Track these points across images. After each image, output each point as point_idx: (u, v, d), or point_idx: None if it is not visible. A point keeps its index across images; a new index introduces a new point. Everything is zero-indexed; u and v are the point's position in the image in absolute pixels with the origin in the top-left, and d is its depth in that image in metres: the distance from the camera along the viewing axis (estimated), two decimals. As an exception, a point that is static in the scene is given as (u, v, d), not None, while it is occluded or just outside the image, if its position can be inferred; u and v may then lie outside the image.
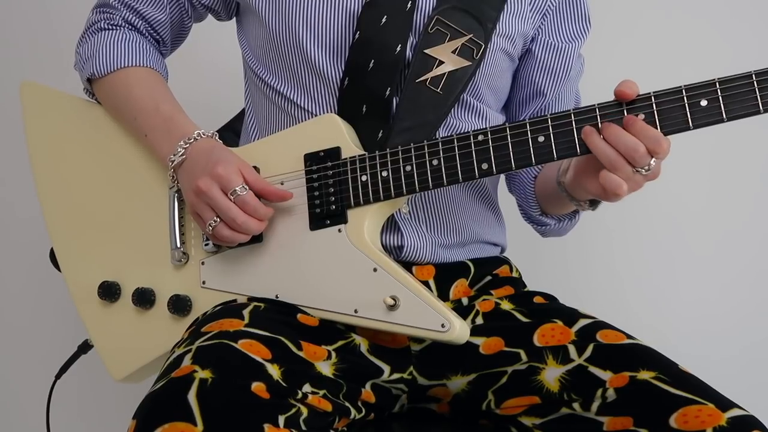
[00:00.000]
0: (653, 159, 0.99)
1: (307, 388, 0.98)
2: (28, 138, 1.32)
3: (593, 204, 1.15)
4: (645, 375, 1.00)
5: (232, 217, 1.08)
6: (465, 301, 1.21)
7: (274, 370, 0.96)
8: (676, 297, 1.86)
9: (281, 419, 0.91)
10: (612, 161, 0.99)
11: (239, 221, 1.08)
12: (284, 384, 0.95)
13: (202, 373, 0.91)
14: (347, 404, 1.05)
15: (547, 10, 1.26)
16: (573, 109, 1.02)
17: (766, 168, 1.85)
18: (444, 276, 1.21)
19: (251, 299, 1.12)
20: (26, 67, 1.93)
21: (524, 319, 1.14)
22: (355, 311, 1.07)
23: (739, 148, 1.80)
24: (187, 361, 0.94)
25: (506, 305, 1.18)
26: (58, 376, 1.33)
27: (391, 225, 1.18)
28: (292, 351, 1.02)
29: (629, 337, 1.09)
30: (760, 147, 1.83)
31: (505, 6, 1.20)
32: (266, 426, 0.88)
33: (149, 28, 1.31)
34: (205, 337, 0.99)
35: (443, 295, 1.20)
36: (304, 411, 0.96)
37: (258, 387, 0.92)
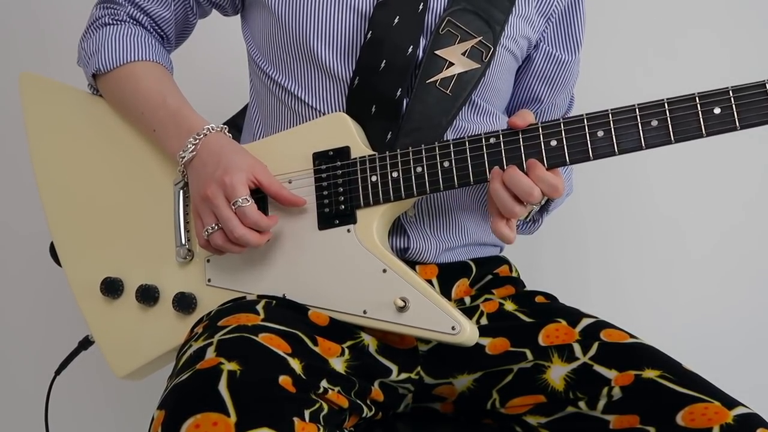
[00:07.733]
0: (545, 198, 1.05)
1: (324, 383, 0.98)
2: (27, 129, 1.31)
3: None
4: (650, 374, 1.01)
5: (231, 228, 1.07)
6: (467, 300, 1.21)
7: (295, 364, 0.95)
8: (675, 298, 1.86)
9: (307, 414, 0.90)
10: (504, 205, 1.05)
11: (236, 233, 1.07)
12: (306, 378, 0.95)
13: (229, 365, 0.90)
14: (359, 401, 1.06)
15: (551, 14, 1.26)
16: (586, 114, 1.03)
17: (766, 167, 1.86)
18: (446, 275, 1.21)
19: (260, 297, 1.12)
20: (27, 61, 1.90)
21: (528, 320, 1.15)
22: (365, 312, 1.07)
23: (738, 148, 1.78)
24: (210, 353, 0.93)
25: (509, 306, 1.18)
26: (57, 372, 1.32)
27: (397, 228, 1.18)
28: (309, 346, 1.02)
29: (632, 336, 1.09)
30: (761, 147, 1.83)
31: (513, 8, 1.20)
32: (296, 419, 0.88)
33: (154, 25, 1.30)
34: (225, 330, 0.98)
35: (445, 295, 1.20)
36: (325, 407, 0.96)
37: (285, 380, 0.91)
